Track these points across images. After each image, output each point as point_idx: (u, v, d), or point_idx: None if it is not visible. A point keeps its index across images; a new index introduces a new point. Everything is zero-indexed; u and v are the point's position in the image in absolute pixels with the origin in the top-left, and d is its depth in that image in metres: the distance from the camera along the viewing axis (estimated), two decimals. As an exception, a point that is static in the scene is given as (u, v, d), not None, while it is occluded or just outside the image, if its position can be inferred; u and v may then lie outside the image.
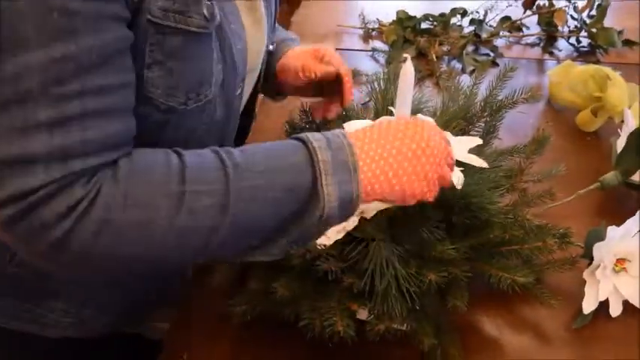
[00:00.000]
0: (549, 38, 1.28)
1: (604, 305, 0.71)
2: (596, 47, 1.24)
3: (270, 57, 0.82)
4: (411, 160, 0.55)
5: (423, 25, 1.30)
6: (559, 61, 1.22)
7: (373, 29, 1.36)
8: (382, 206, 0.60)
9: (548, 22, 1.27)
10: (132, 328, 0.83)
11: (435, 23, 1.29)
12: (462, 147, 0.69)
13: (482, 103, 0.80)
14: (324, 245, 0.60)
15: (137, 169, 0.50)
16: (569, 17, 1.28)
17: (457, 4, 1.31)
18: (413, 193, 0.56)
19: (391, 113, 0.72)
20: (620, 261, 0.72)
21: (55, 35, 0.45)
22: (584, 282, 0.72)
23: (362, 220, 0.61)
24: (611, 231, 0.71)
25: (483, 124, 0.80)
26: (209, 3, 0.55)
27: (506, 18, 1.29)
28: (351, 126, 0.66)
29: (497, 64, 1.21)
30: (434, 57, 1.21)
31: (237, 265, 0.73)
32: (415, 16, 1.30)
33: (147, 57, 0.53)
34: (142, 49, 0.52)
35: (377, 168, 0.55)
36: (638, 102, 0.98)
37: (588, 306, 0.70)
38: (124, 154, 0.51)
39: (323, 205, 0.53)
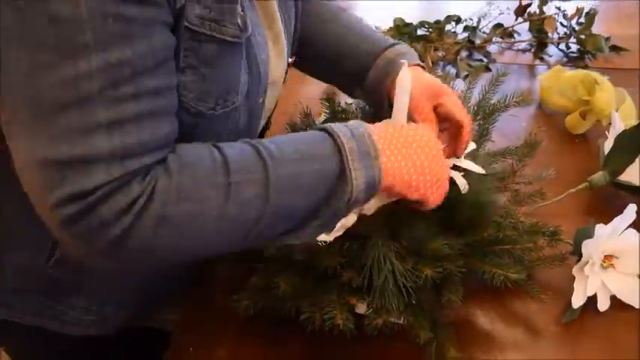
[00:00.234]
0: (540, 44, 1.29)
1: (592, 300, 0.73)
2: (584, 53, 1.25)
3: (377, 70, 0.75)
4: (427, 154, 0.60)
5: (419, 32, 1.31)
6: (549, 66, 1.23)
7: (370, 36, 1.37)
8: (381, 202, 0.62)
9: (539, 29, 1.28)
10: (145, 321, 0.84)
11: (430, 30, 1.30)
12: None
13: (475, 107, 0.82)
14: (325, 242, 0.62)
15: (185, 163, 0.51)
16: (558, 24, 1.29)
17: (452, 11, 1.32)
18: (418, 185, 0.59)
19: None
20: (608, 257, 0.73)
21: (111, 41, 0.46)
22: (574, 278, 0.73)
23: (361, 217, 0.62)
24: (599, 229, 0.72)
25: (477, 127, 0.81)
26: (242, 13, 0.56)
27: (499, 25, 1.30)
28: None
29: (490, 69, 1.21)
30: (429, 62, 1.21)
31: (239, 264, 0.75)
32: (411, 23, 1.31)
33: (181, 61, 0.53)
34: (177, 53, 0.53)
35: (391, 155, 0.58)
36: (625, 105, 0.99)
37: (577, 301, 0.72)
38: (169, 151, 0.52)
39: (351, 188, 0.55)
